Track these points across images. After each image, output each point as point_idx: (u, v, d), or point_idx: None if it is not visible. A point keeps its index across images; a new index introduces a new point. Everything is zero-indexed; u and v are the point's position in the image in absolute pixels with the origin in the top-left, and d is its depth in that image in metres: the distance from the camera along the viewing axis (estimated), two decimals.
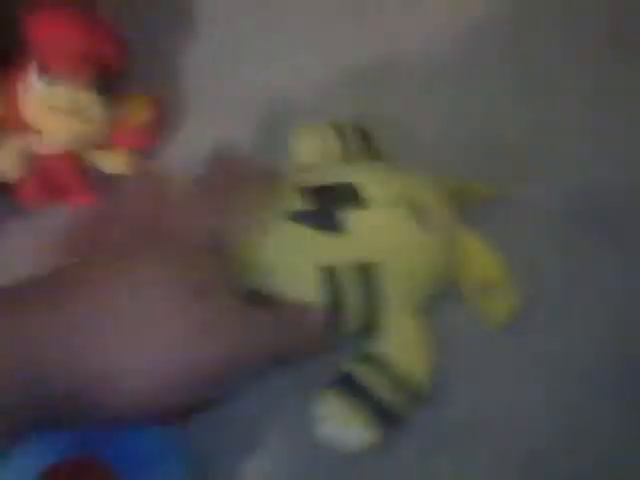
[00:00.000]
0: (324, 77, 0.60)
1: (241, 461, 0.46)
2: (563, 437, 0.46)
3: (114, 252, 0.39)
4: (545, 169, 0.55)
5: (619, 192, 0.54)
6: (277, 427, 0.47)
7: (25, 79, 0.54)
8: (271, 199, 0.45)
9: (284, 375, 0.47)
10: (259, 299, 0.45)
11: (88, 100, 0.53)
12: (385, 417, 0.43)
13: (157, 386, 0.36)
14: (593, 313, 0.49)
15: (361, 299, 0.45)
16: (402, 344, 0.45)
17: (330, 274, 0.44)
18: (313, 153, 0.53)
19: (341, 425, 0.43)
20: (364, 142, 0.54)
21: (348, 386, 0.44)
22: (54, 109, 0.53)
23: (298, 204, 0.46)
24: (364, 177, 0.47)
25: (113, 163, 0.56)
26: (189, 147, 0.58)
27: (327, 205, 0.46)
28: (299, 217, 0.45)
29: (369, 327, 0.46)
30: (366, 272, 0.44)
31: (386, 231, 0.46)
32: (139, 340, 0.35)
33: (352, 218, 0.45)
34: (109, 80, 0.55)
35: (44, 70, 0.53)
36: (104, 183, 0.56)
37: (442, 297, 0.49)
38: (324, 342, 0.43)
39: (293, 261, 0.45)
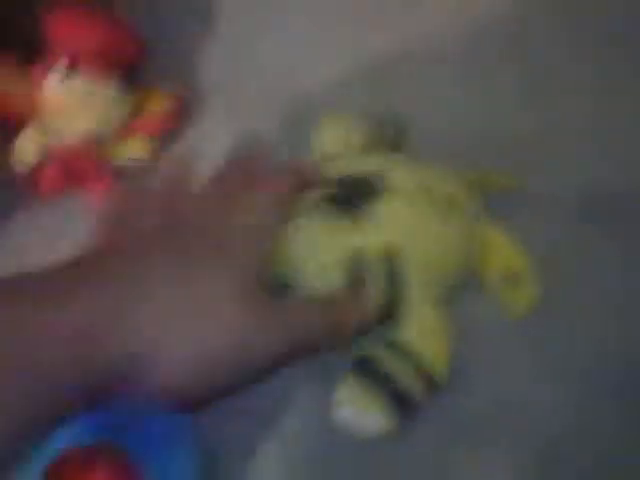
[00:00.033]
0: (338, 73, 0.60)
1: (255, 447, 0.47)
2: (581, 425, 0.46)
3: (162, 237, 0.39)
4: (545, 168, 0.54)
5: (620, 192, 0.53)
6: (292, 412, 0.48)
7: (45, 73, 0.55)
8: (291, 196, 0.44)
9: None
10: (284, 293, 0.45)
11: (105, 93, 0.55)
12: (403, 404, 0.43)
13: (205, 369, 0.36)
14: (594, 312, 0.49)
15: (385, 288, 0.44)
16: (422, 332, 0.45)
17: (355, 263, 0.44)
18: (336, 143, 0.52)
19: (359, 410, 0.43)
20: (386, 133, 0.53)
21: (366, 372, 0.44)
22: (72, 101, 0.54)
23: (325, 194, 0.45)
24: (389, 167, 0.47)
25: (130, 152, 0.57)
26: (204, 141, 0.58)
27: (353, 195, 0.45)
28: (324, 207, 0.45)
29: (390, 314, 0.45)
30: (390, 262, 0.44)
31: (411, 221, 0.46)
32: (193, 322, 0.36)
33: (378, 208, 0.45)
34: (127, 74, 0.56)
35: (64, 65, 0.54)
36: (121, 171, 0.57)
37: (462, 287, 0.48)
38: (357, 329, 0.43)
39: (318, 250, 0.44)
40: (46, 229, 0.56)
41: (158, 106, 0.58)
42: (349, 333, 0.42)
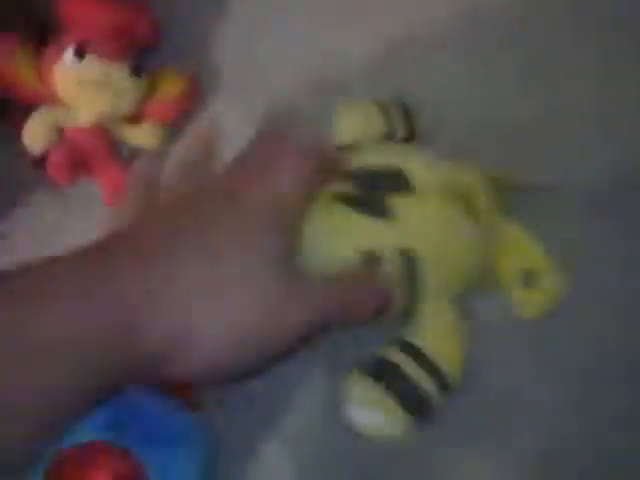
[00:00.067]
0: (353, 57, 0.60)
1: (262, 443, 0.47)
2: (581, 425, 0.46)
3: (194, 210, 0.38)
4: (546, 155, 0.54)
5: (623, 177, 0.53)
6: (294, 412, 0.48)
7: (58, 54, 0.54)
8: (315, 177, 0.42)
9: (311, 359, 0.48)
10: None
11: (119, 75, 0.54)
12: (417, 405, 0.43)
13: (239, 344, 0.36)
14: (594, 312, 0.49)
15: (401, 287, 0.44)
16: (437, 334, 0.45)
17: (373, 262, 0.43)
18: (354, 131, 0.52)
19: (374, 414, 0.43)
20: (406, 120, 0.53)
21: (380, 372, 0.43)
22: (85, 83, 0.54)
23: (346, 187, 0.45)
24: (413, 162, 0.46)
25: (142, 137, 0.57)
26: (218, 124, 0.58)
27: (376, 190, 0.44)
28: (347, 200, 0.44)
29: (405, 313, 0.45)
30: (408, 260, 0.43)
31: (432, 220, 0.45)
32: (226, 297, 0.36)
33: (400, 204, 0.44)
34: (141, 55, 0.56)
35: (76, 45, 0.54)
36: (132, 157, 0.57)
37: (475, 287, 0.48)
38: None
39: (337, 244, 0.43)
40: (51, 222, 0.57)
41: (172, 87, 0.57)
42: (367, 311, 0.42)
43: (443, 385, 0.44)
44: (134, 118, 0.57)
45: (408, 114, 0.53)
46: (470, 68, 0.59)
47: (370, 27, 0.61)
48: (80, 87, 0.54)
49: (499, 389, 0.47)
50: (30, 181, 0.57)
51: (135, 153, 0.57)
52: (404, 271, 0.44)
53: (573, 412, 0.46)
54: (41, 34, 0.56)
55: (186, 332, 0.35)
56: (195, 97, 0.59)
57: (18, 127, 0.54)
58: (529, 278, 0.49)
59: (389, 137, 0.52)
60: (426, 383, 0.43)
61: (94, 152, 0.56)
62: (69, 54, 0.54)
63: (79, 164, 0.56)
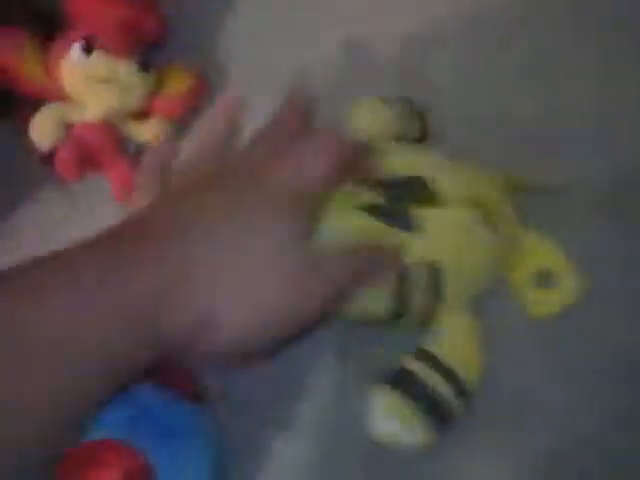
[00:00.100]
0: (355, 55, 0.60)
1: (273, 440, 0.47)
2: (596, 425, 0.46)
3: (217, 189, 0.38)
4: (546, 155, 0.54)
5: (623, 177, 0.52)
6: (309, 396, 0.47)
7: (65, 50, 0.54)
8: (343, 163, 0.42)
9: (321, 347, 0.48)
10: None
11: (126, 71, 0.54)
12: (436, 413, 0.43)
13: (265, 322, 0.36)
14: (608, 312, 0.48)
15: (424, 298, 0.44)
16: (454, 339, 0.45)
17: (400, 272, 0.43)
18: (370, 129, 0.51)
19: (392, 421, 0.43)
20: (419, 119, 0.52)
21: (399, 381, 0.44)
22: (92, 79, 0.54)
23: (371, 196, 0.44)
24: (435, 171, 0.46)
25: (149, 133, 0.56)
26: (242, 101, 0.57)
27: (400, 200, 0.44)
28: (371, 210, 0.44)
29: (424, 323, 0.45)
30: (432, 272, 0.44)
31: (455, 232, 0.45)
32: (255, 274, 0.36)
33: (424, 217, 0.44)
34: (148, 51, 0.56)
35: (83, 41, 0.53)
36: (140, 153, 0.56)
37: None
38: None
39: None
40: (58, 219, 0.56)
41: (180, 83, 0.57)
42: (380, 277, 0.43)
43: (461, 392, 0.44)
44: (141, 114, 0.57)
45: (420, 113, 0.53)
46: (470, 68, 0.58)
47: (370, 26, 0.61)
48: (87, 83, 0.54)
49: (512, 389, 0.47)
50: (37, 177, 0.56)
51: (142, 149, 0.57)
52: (428, 283, 0.44)
53: (586, 412, 0.46)
54: (48, 29, 0.56)
55: (212, 314, 0.35)
56: (202, 93, 0.58)
57: (25, 123, 0.54)
58: (543, 279, 0.49)
59: (402, 137, 0.51)
60: (444, 390, 0.43)
61: (101, 148, 0.55)
62: (76, 50, 0.53)
63: (86, 160, 0.55)
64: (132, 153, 0.57)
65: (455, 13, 0.60)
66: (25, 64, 0.54)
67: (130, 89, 0.54)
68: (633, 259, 0.50)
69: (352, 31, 0.60)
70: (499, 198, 0.48)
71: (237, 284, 0.36)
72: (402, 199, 0.44)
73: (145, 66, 0.55)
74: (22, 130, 0.54)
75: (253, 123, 0.45)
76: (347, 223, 0.43)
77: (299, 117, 0.44)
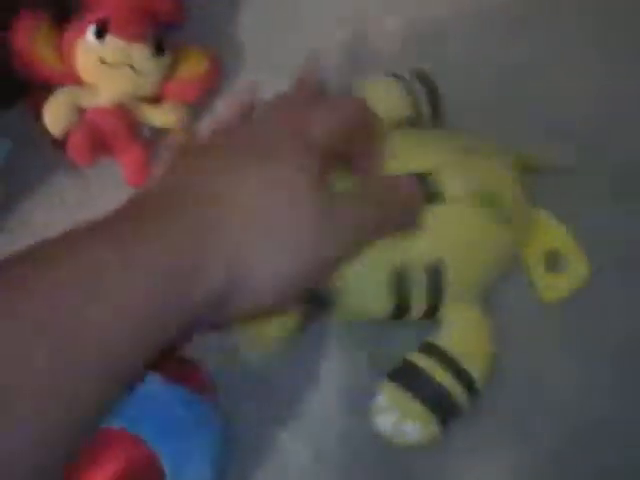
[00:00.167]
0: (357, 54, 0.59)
1: (277, 429, 0.46)
2: (615, 410, 0.45)
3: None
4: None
5: (623, 177, 0.52)
6: (316, 393, 0.47)
7: (78, 34, 0.53)
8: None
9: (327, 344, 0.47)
10: (316, 299, 0.45)
11: (140, 55, 0.53)
12: (443, 409, 0.43)
13: (296, 271, 0.36)
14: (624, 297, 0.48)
15: (427, 297, 0.44)
16: (462, 334, 0.44)
17: (400, 274, 0.43)
18: (382, 108, 0.47)
19: (401, 419, 0.43)
20: (430, 95, 0.51)
21: (406, 376, 0.43)
22: (106, 63, 0.52)
23: None
24: (440, 164, 0.44)
25: (164, 117, 0.55)
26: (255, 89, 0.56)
27: None
28: None
29: (431, 318, 0.45)
30: (436, 271, 0.43)
31: (461, 229, 0.44)
32: (280, 228, 0.35)
33: (428, 216, 0.43)
34: (164, 34, 0.54)
35: (97, 24, 0.52)
36: (153, 137, 0.55)
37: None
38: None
39: (362, 259, 0.43)
40: (71, 204, 0.55)
41: (195, 66, 0.56)
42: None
43: (469, 387, 0.43)
44: (155, 98, 0.55)
45: (432, 89, 0.51)
46: (470, 67, 0.57)
47: (371, 26, 0.60)
48: (101, 67, 0.53)
49: (521, 374, 0.46)
50: (50, 162, 0.55)
51: (156, 133, 0.56)
52: (428, 284, 0.44)
53: (598, 397, 0.45)
54: (62, 13, 0.55)
55: (244, 268, 0.34)
56: (218, 76, 0.57)
57: (38, 107, 0.53)
58: (553, 261, 0.48)
59: (415, 115, 0.50)
60: (450, 385, 0.43)
61: (114, 133, 0.54)
62: (90, 33, 0.52)
63: (99, 145, 0.54)
64: (146, 137, 0.56)
65: (456, 12, 0.59)
66: (38, 48, 0.53)
67: (144, 73, 0.53)
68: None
69: (353, 30, 0.60)
70: (511, 182, 0.47)
71: (266, 237, 0.35)
72: None
73: (159, 50, 0.53)
74: (35, 114, 0.53)
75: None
76: None
77: (312, 89, 0.44)
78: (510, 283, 0.48)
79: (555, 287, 0.47)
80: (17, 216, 0.54)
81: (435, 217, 0.43)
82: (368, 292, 0.44)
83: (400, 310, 0.44)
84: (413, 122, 0.50)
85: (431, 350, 0.44)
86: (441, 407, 0.43)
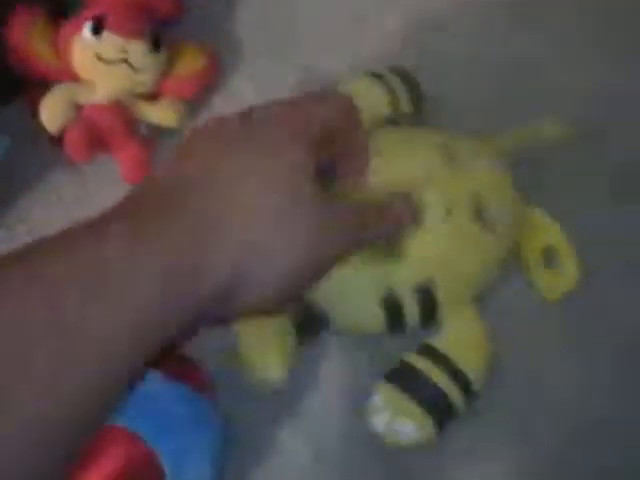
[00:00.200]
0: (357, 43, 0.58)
1: (277, 429, 0.46)
2: (615, 409, 0.45)
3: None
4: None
5: (623, 178, 0.52)
6: (316, 394, 0.47)
7: (75, 30, 0.52)
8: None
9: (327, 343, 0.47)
10: (311, 318, 0.45)
11: (137, 51, 0.52)
12: (440, 410, 0.43)
13: (298, 267, 0.36)
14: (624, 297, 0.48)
15: (421, 313, 0.44)
16: (460, 338, 0.45)
17: (390, 298, 0.44)
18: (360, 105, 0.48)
19: (395, 419, 0.43)
20: (410, 91, 0.51)
21: (403, 378, 0.43)
22: (102, 59, 0.52)
23: None
24: (424, 178, 0.44)
25: (161, 113, 0.55)
26: (237, 98, 0.57)
27: None
28: None
29: (427, 325, 0.45)
30: (427, 290, 0.44)
31: (446, 247, 0.44)
32: (281, 223, 0.35)
33: (411, 241, 0.43)
34: (161, 31, 0.54)
35: (94, 21, 0.51)
36: (151, 134, 0.55)
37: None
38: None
39: (352, 285, 0.44)
40: (68, 200, 0.55)
41: (193, 62, 0.55)
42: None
43: (466, 388, 0.43)
44: (153, 94, 0.55)
45: (412, 84, 0.52)
46: (471, 66, 0.57)
47: (371, 25, 0.59)
48: (97, 63, 0.52)
49: (520, 372, 0.46)
50: (48, 158, 0.55)
51: (154, 130, 0.55)
52: (422, 301, 0.44)
53: (598, 397, 0.45)
54: (58, 9, 0.54)
55: (247, 265, 0.34)
56: (215, 72, 0.57)
57: (35, 104, 0.52)
58: (550, 258, 0.48)
59: (395, 112, 0.50)
60: (449, 387, 0.43)
61: (111, 129, 0.53)
62: (86, 30, 0.52)
63: (96, 141, 0.53)
64: (143, 134, 0.55)
65: (455, 12, 0.59)
66: (34, 44, 0.52)
67: (141, 70, 0.53)
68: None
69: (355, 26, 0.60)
70: (500, 185, 0.46)
71: (268, 232, 0.35)
72: None
73: (156, 46, 0.53)
74: (32, 111, 0.53)
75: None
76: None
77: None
78: (509, 283, 0.48)
79: (556, 285, 0.48)
80: (15, 212, 0.54)
81: (417, 243, 0.43)
82: (362, 314, 0.45)
83: (396, 326, 0.45)
84: (394, 120, 0.50)
85: (428, 352, 0.44)
86: (437, 408, 0.43)
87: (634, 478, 0.44)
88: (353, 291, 0.44)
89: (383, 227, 0.42)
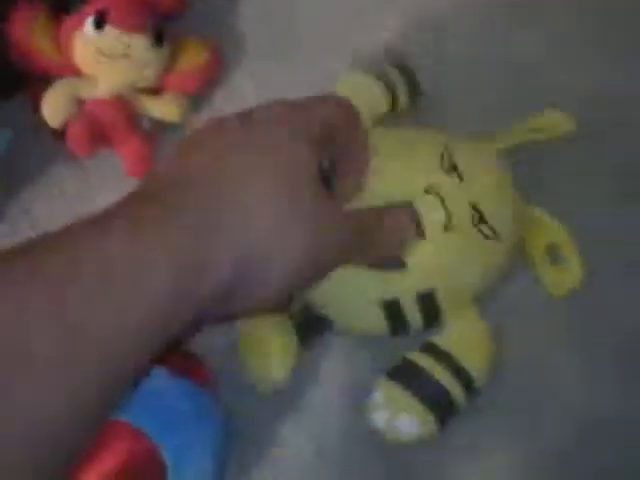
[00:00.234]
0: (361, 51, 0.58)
1: (279, 424, 0.46)
2: (630, 407, 0.45)
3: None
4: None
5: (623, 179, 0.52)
6: (318, 391, 0.47)
7: (77, 24, 0.52)
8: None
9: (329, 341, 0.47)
10: (313, 320, 0.45)
11: (140, 46, 0.52)
12: (442, 407, 0.43)
13: (299, 267, 0.35)
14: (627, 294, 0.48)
15: (424, 318, 0.44)
16: (463, 336, 0.44)
17: (392, 307, 0.43)
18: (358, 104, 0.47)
19: (396, 416, 0.43)
20: (408, 84, 0.51)
21: (405, 375, 0.43)
22: (104, 54, 0.52)
23: None
24: (423, 183, 0.44)
25: (163, 108, 0.54)
26: (238, 94, 0.57)
27: None
28: None
29: (430, 327, 0.45)
30: (429, 298, 0.44)
31: (448, 257, 0.44)
32: (282, 222, 0.35)
33: (413, 252, 0.43)
34: (163, 25, 0.53)
35: (96, 15, 0.51)
36: (153, 129, 0.55)
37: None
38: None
39: (353, 296, 0.44)
40: (70, 195, 0.54)
41: (195, 57, 0.55)
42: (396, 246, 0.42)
43: (468, 386, 0.43)
44: (155, 89, 0.54)
45: (410, 76, 0.52)
46: (471, 66, 0.56)
47: (371, 25, 0.59)
48: (100, 58, 0.52)
49: (523, 371, 0.46)
50: (50, 153, 0.54)
51: (156, 124, 0.55)
52: (424, 309, 0.44)
53: (600, 396, 0.45)
54: (59, 3, 0.54)
55: (248, 265, 0.34)
56: (218, 67, 0.56)
57: (37, 98, 0.52)
58: (555, 255, 0.48)
59: (394, 107, 0.50)
60: (451, 385, 0.43)
61: (114, 124, 0.53)
62: (88, 25, 0.51)
63: (98, 136, 0.53)
64: (145, 129, 0.55)
65: (455, 12, 0.59)
66: (36, 39, 0.52)
67: (143, 64, 0.52)
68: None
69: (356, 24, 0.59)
70: (501, 187, 0.46)
71: (269, 231, 0.34)
72: None
73: (159, 40, 0.53)
74: (34, 106, 0.52)
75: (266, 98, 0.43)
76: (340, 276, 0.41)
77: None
78: (513, 281, 0.48)
79: (562, 280, 0.48)
80: (17, 206, 0.53)
81: (418, 253, 0.43)
82: (364, 317, 0.45)
83: (399, 331, 0.45)
84: (391, 115, 0.50)
85: (431, 349, 0.44)
86: (439, 405, 0.43)
87: (635, 478, 0.44)
88: (354, 293, 0.44)
89: (383, 234, 0.42)
